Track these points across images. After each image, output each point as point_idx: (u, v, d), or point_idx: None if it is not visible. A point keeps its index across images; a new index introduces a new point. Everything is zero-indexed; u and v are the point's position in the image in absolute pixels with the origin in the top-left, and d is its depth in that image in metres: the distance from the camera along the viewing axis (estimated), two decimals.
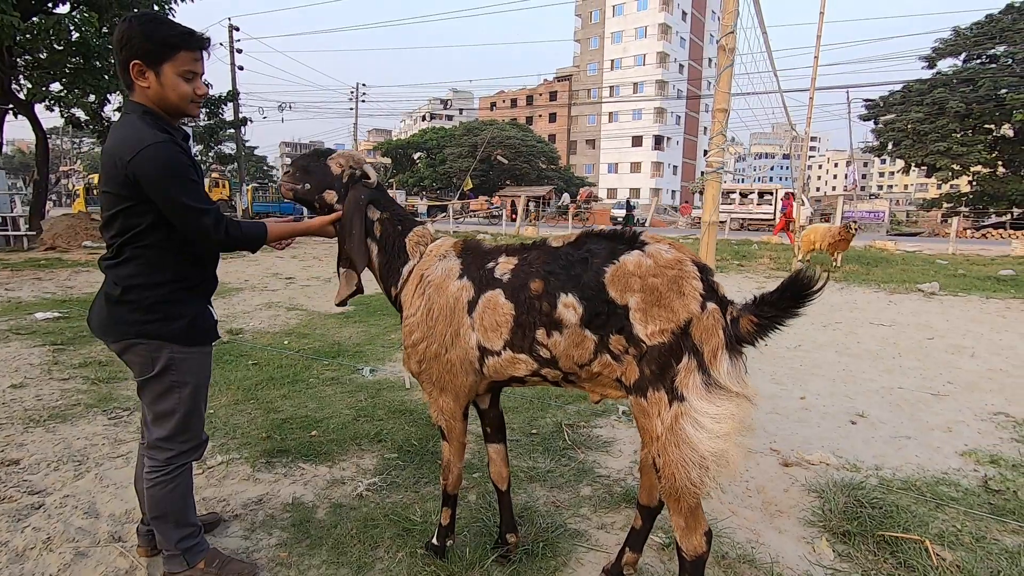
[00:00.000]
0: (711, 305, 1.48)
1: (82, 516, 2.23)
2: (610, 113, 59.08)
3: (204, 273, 1.80)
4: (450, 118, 70.19)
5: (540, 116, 63.46)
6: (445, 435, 1.88)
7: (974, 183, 30.65)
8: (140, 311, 1.65)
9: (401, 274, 1.88)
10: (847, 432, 3.30)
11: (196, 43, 1.62)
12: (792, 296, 1.44)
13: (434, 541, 2.00)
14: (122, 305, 1.66)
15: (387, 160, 48.34)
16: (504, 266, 1.71)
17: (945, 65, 30.60)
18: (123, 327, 1.67)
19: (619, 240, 1.61)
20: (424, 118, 75.08)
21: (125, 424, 3.15)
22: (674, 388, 1.46)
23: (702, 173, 63.65)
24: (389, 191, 2.11)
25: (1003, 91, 26.75)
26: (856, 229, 10.67)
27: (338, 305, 1.93)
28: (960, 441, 3.18)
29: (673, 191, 58.53)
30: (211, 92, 17.58)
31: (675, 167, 60.11)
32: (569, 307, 1.57)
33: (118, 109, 16.17)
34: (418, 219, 2.07)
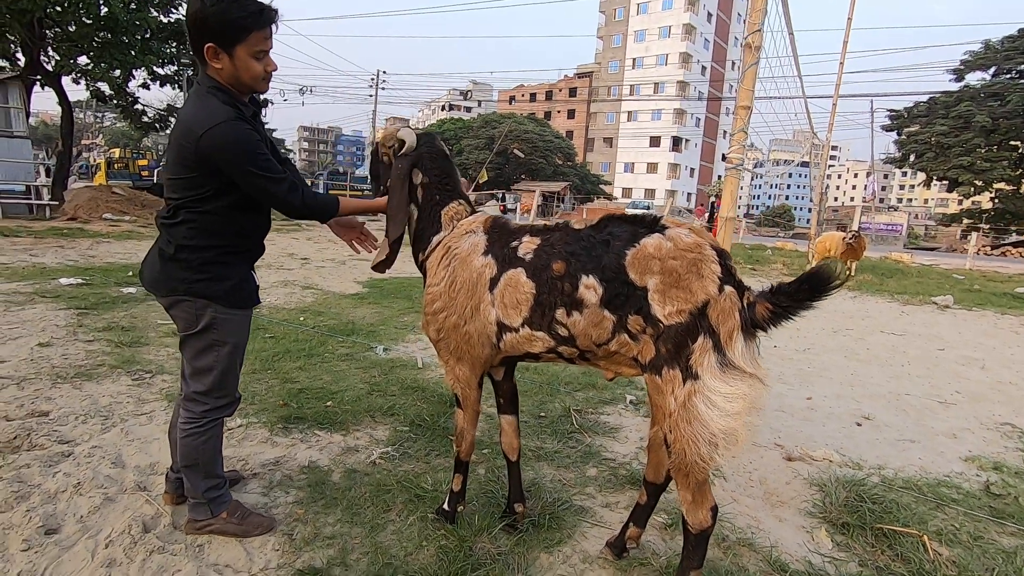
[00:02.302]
0: (728, 288, 1.53)
1: (109, 465, 2.34)
2: (629, 112, 58.74)
3: (251, 240, 1.87)
4: (468, 110, 70.17)
5: (559, 112, 63.25)
6: (460, 402, 1.95)
7: (996, 200, 30.19)
8: (190, 269, 1.74)
9: (431, 242, 1.95)
10: (851, 433, 3.34)
11: (267, 21, 1.65)
12: (810, 289, 1.48)
13: (445, 507, 2.08)
14: (174, 262, 1.74)
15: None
16: (527, 245, 1.77)
17: (974, 78, 30.13)
18: (173, 283, 1.75)
19: (640, 224, 1.66)
20: (443, 108, 75.07)
21: (148, 385, 3.26)
22: (689, 367, 1.51)
23: (719, 177, 63.13)
24: None
25: None
26: (853, 238, 10.53)
27: (372, 269, 2.02)
28: (964, 447, 3.20)
29: (689, 193, 58.14)
30: None
31: (692, 169, 59.69)
32: (590, 288, 1.62)
33: (143, 85, 16.41)
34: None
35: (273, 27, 1.70)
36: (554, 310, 1.68)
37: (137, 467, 2.35)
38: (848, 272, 11.01)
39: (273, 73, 1.74)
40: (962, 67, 30.21)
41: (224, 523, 1.91)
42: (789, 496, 2.52)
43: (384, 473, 2.42)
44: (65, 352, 3.73)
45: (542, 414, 3.23)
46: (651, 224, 1.64)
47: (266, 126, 1.90)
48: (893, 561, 2.05)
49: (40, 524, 1.90)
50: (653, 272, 1.55)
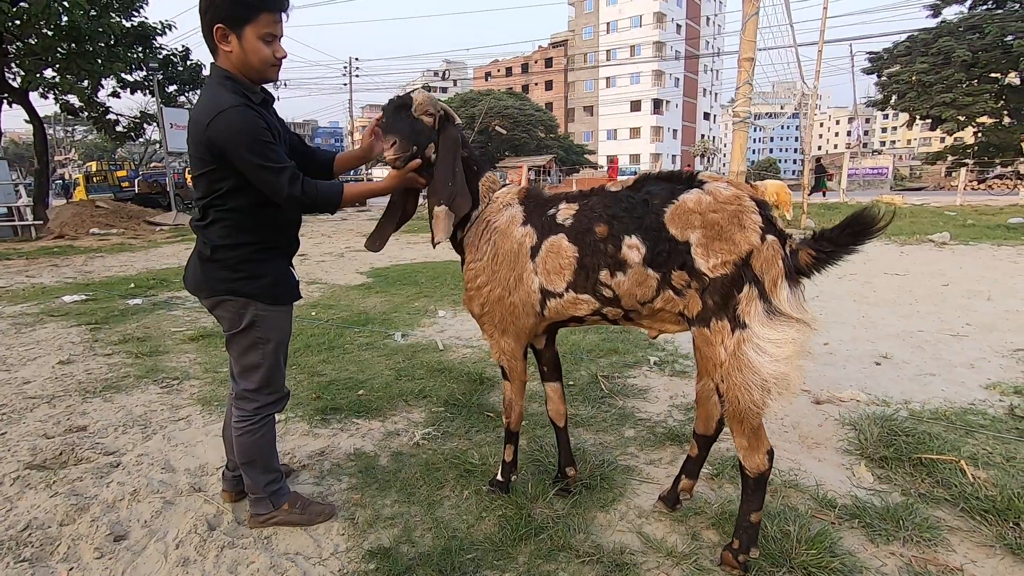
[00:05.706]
0: (770, 237, 1.55)
1: (160, 471, 2.36)
2: (607, 78, 58.01)
3: (285, 235, 1.87)
4: (445, 90, 68.97)
5: (536, 84, 62.35)
6: (507, 374, 1.98)
7: (979, 134, 30.25)
8: (228, 269, 1.74)
9: (469, 218, 1.95)
10: (873, 372, 3.42)
11: (277, 4, 1.64)
12: (852, 233, 1.51)
13: (499, 477, 2.12)
14: (212, 263, 1.74)
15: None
16: (566, 212, 1.78)
17: (951, 13, 29.85)
18: (214, 284, 1.75)
19: (677, 180, 1.67)
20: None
21: (177, 392, 3.27)
22: (736, 316, 1.54)
23: (702, 136, 62.72)
24: None
25: (1010, 38, 26.16)
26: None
27: (433, 245, 1.89)
28: (983, 376, 3.29)
29: (673, 155, 57.81)
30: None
31: (675, 131, 59.28)
32: (633, 248, 1.64)
33: (112, 94, 16.02)
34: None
35: (284, 14, 1.68)
36: (598, 272, 1.70)
37: (187, 470, 2.38)
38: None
39: (283, 58, 1.71)
40: (938, 2, 29.92)
41: (287, 514, 1.94)
42: (824, 437, 2.59)
43: (430, 453, 2.47)
44: (87, 367, 3.72)
45: (570, 383, 3.27)
46: (688, 180, 1.66)
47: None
48: (935, 488, 2.13)
49: (108, 532, 1.93)
50: (695, 227, 1.57)
